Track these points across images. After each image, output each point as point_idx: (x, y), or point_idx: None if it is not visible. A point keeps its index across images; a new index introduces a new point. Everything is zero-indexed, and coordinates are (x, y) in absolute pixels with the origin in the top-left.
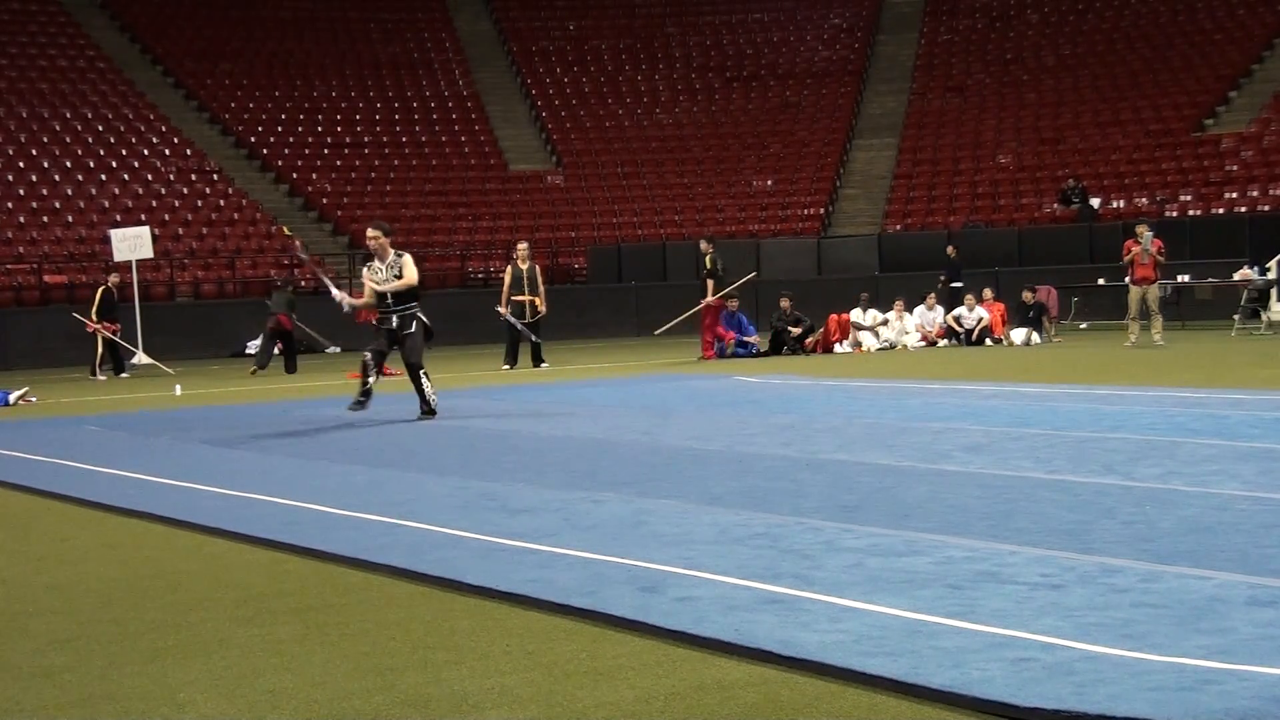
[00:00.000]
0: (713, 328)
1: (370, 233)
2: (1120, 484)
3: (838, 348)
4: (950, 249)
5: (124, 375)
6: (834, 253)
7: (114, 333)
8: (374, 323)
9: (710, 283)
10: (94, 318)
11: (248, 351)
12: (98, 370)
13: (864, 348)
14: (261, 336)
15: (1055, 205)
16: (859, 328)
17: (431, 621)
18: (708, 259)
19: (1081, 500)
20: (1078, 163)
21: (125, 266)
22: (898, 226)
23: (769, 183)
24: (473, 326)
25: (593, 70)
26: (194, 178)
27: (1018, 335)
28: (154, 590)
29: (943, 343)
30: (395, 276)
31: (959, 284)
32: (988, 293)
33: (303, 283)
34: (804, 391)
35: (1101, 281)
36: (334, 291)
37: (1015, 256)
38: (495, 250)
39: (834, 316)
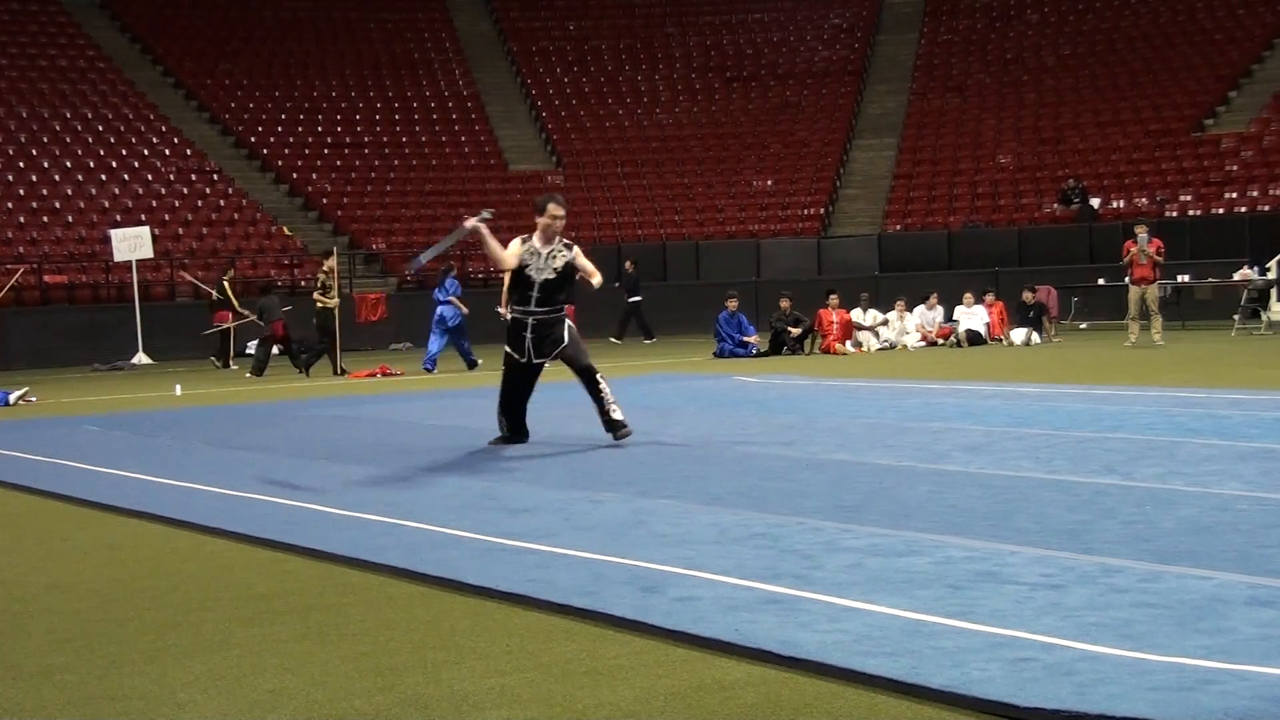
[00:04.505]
0: None
1: (561, 210)
2: (1120, 484)
3: (838, 346)
4: (628, 263)
5: (233, 367)
6: (834, 253)
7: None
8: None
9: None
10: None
11: (247, 352)
12: (229, 361)
13: (864, 348)
14: (257, 343)
15: (1055, 205)
16: (859, 328)
17: (431, 621)
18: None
19: (1081, 500)
20: (1078, 163)
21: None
22: (898, 226)
23: (769, 183)
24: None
25: (593, 70)
26: (194, 178)
27: (1018, 335)
28: (154, 590)
29: (941, 342)
30: (554, 269)
31: (637, 298)
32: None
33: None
34: (804, 391)
35: (1101, 281)
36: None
37: (1015, 256)
38: None
39: (823, 312)
